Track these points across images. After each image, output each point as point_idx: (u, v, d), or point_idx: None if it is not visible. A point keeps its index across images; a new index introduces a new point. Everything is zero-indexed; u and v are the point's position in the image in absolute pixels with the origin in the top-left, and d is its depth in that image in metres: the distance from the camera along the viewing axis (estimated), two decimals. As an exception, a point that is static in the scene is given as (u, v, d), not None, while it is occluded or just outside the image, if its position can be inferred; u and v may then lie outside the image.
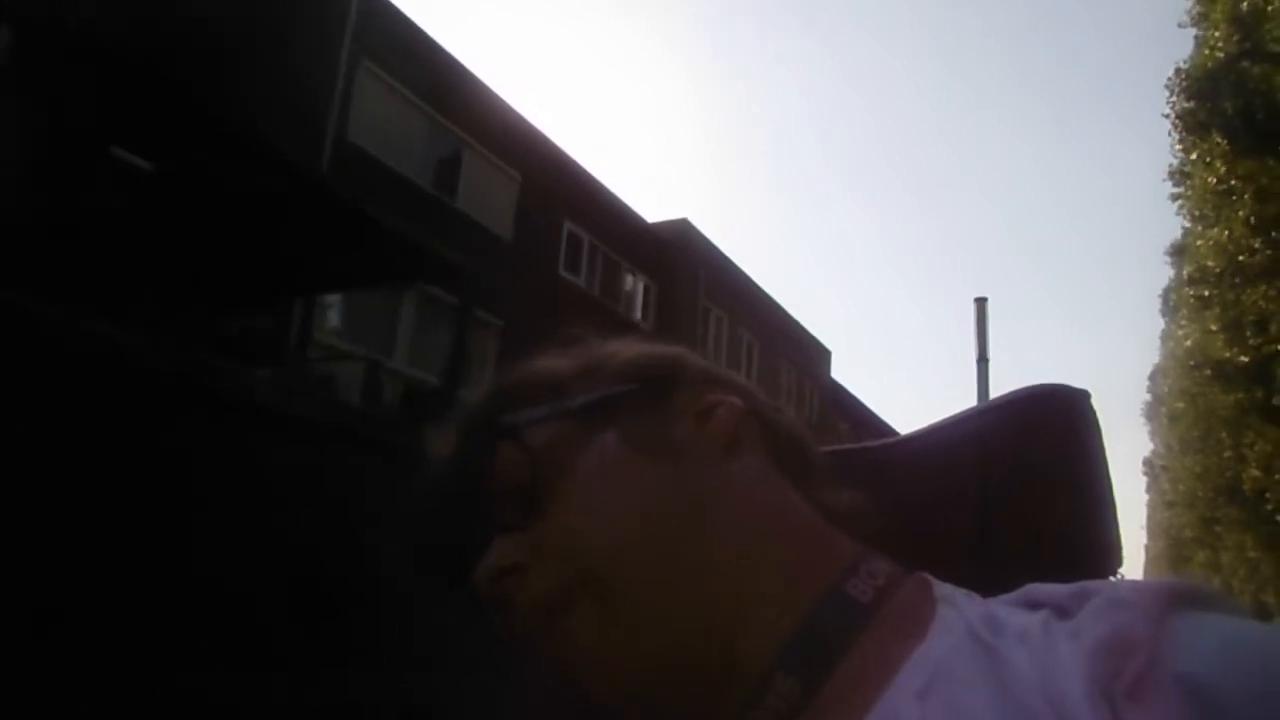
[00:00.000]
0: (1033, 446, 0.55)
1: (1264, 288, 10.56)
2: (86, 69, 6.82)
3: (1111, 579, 0.47)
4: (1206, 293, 11.73)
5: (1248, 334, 11.19)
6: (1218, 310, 11.84)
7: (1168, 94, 11.57)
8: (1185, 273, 13.25)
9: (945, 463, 0.57)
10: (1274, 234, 10.27)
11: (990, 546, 0.53)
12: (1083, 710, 0.33)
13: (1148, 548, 40.70)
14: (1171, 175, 15.19)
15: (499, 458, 0.46)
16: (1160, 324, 25.41)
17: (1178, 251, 18.97)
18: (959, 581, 0.45)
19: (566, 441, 0.46)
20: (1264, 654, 0.34)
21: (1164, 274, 18.14)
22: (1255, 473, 14.02)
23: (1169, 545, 29.81)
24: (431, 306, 9.95)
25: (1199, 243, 12.09)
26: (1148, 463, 34.80)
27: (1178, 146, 11.90)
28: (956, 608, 0.42)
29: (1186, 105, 11.23)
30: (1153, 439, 31.35)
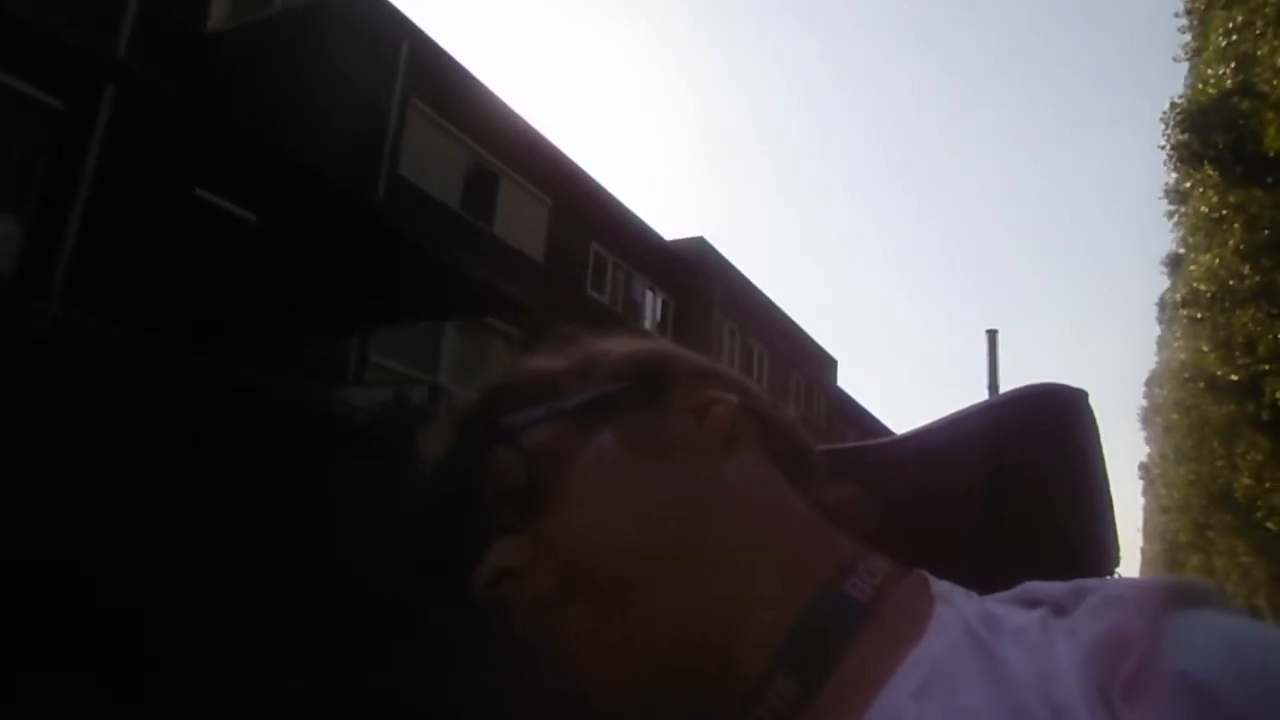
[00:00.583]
0: (1030, 446, 0.55)
1: (1253, 310, 11.22)
2: (182, 122, 7.54)
3: (1108, 578, 0.46)
4: (1199, 314, 12.41)
5: (1237, 354, 11.86)
6: (1209, 331, 12.53)
7: (1163, 126, 12.24)
8: (1179, 295, 13.93)
9: (943, 462, 0.57)
10: (1262, 260, 10.93)
11: (987, 545, 0.53)
12: (1080, 709, 0.33)
13: (1144, 550, 41.40)
14: (1167, 194, 15.91)
15: (496, 460, 0.46)
16: (1157, 330, 26.06)
17: (1173, 263, 19.65)
18: (956, 580, 0.45)
19: (563, 442, 0.46)
20: (1261, 651, 0.34)
21: (1161, 282, 18.83)
22: (1247, 481, 14.68)
23: (1164, 549, 30.48)
24: (474, 327, 10.62)
25: (1192, 267, 12.78)
26: (1144, 467, 35.46)
27: (1173, 175, 12.58)
28: (954, 605, 0.42)
29: (1181, 138, 11.89)
30: (1149, 444, 31.99)
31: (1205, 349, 12.95)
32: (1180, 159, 12.10)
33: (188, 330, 6.30)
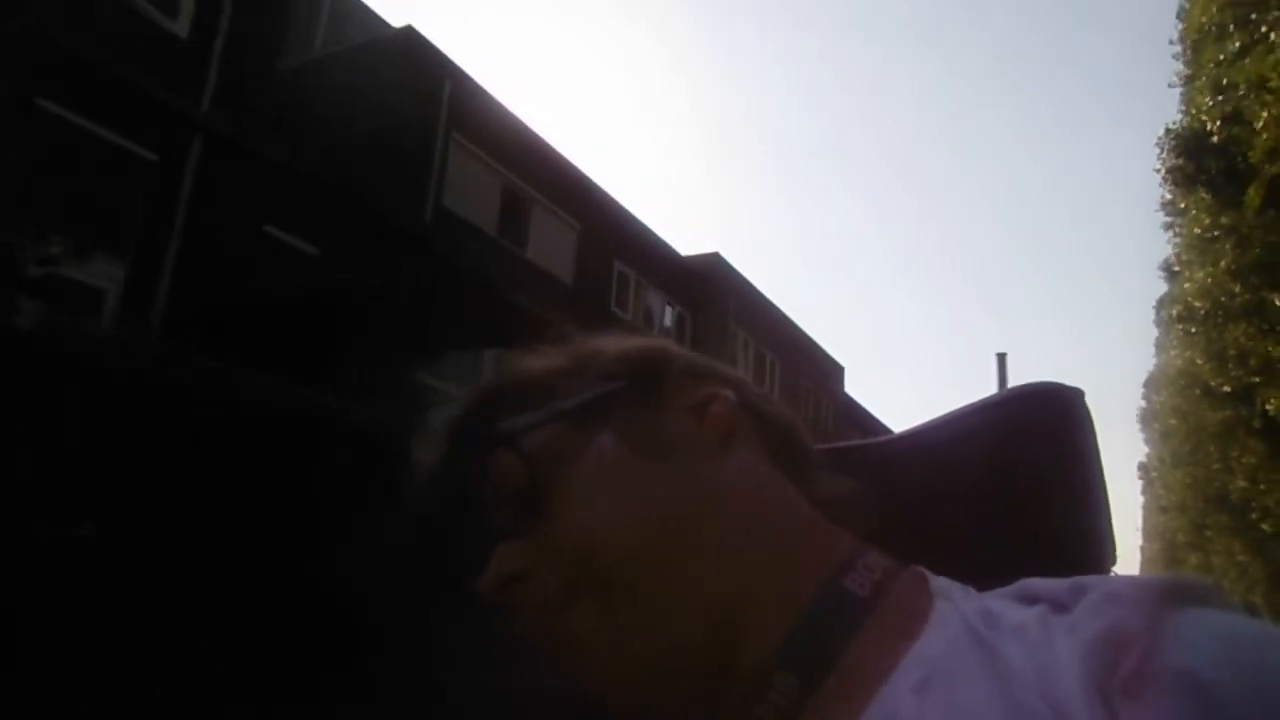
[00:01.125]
0: (1028, 445, 0.55)
1: (1244, 326, 11.89)
2: (259, 169, 8.25)
3: (1107, 575, 0.45)
4: (1193, 329, 13.10)
5: (1230, 366, 12.54)
6: (1204, 344, 13.22)
7: (1159, 150, 12.91)
8: (1175, 310, 14.60)
9: (941, 460, 0.57)
10: (1252, 279, 11.60)
11: (985, 543, 0.52)
12: (1079, 705, 0.33)
13: (1143, 549, 41.95)
14: (1164, 207, 16.57)
15: (496, 465, 0.46)
16: (1155, 332, 26.65)
17: (1170, 268, 20.32)
18: (955, 577, 0.45)
19: (562, 444, 0.46)
20: (1259, 649, 0.34)
21: (1159, 285, 19.40)
22: (1242, 484, 15.32)
23: (1164, 548, 31.06)
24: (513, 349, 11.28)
25: (1187, 284, 13.46)
26: (1143, 467, 36.00)
27: (1167, 197, 13.25)
28: (953, 602, 0.42)
29: (1175, 162, 12.57)
30: (1148, 444, 32.53)
31: (1200, 361, 13.63)
32: (1175, 182, 12.78)
33: (274, 361, 6.98)
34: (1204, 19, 10.13)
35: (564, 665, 0.44)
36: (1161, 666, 0.33)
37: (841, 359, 24.02)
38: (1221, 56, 10.63)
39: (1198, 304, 12.66)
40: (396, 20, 14.84)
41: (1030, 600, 0.40)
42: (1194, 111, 12.45)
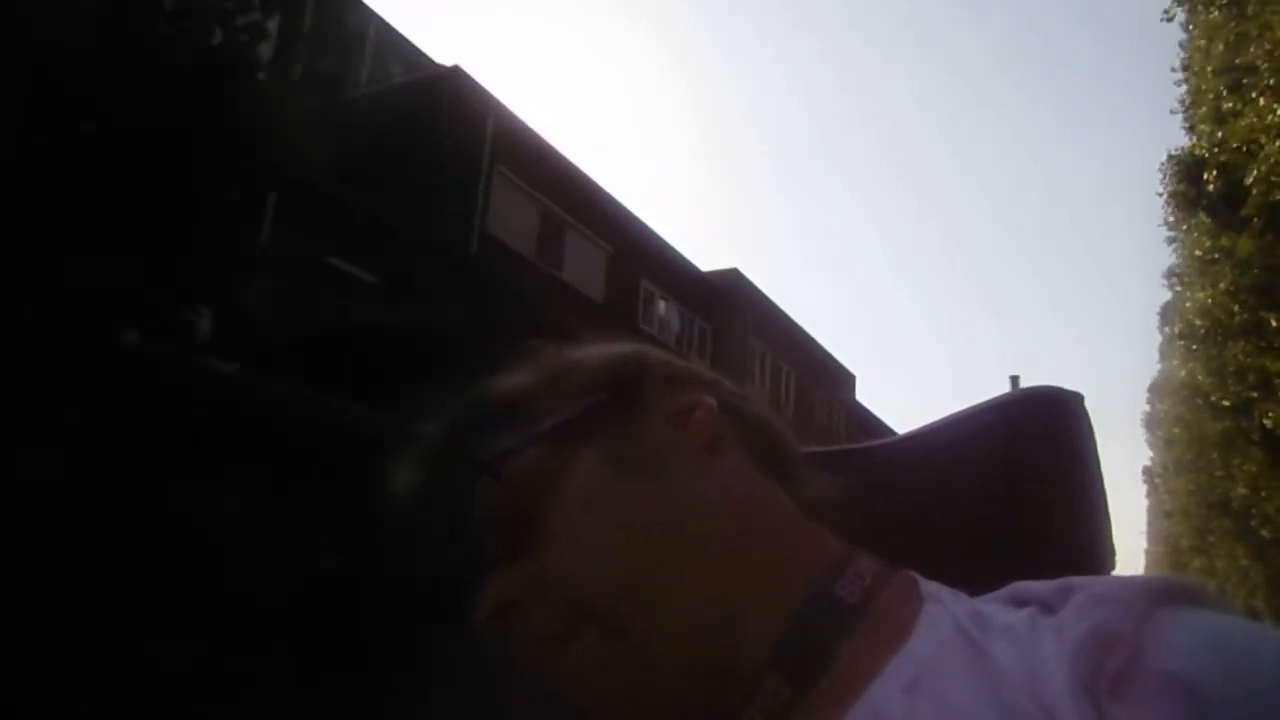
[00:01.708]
0: (1027, 448, 0.55)
1: (1242, 344, 12.53)
2: (325, 203, 8.93)
3: (1095, 576, 0.43)
4: (1194, 346, 13.76)
5: (1229, 382, 13.19)
6: (1204, 361, 13.88)
7: (1161, 175, 13.57)
8: (1176, 328, 15.26)
9: (940, 464, 0.57)
10: (1250, 300, 12.24)
11: (985, 546, 0.53)
12: (1066, 705, 0.33)
13: (1148, 552, 42.42)
14: (1166, 223, 17.23)
15: (480, 493, 0.46)
16: (1159, 338, 27.18)
17: (1173, 274, 20.95)
18: (953, 580, 0.45)
19: (546, 467, 0.46)
20: (1247, 649, 0.34)
21: (1163, 293, 19.91)
22: (1243, 491, 15.91)
23: (1167, 551, 31.55)
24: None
25: (1188, 304, 14.12)
26: (1147, 471, 36.50)
27: (1170, 219, 13.92)
28: (943, 604, 0.42)
29: (1176, 187, 13.23)
30: (1151, 449, 33.03)
31: (1201, 377, 14.30)
32: (1176, 206, 13.46)
33: (349, 387, 7.66)
34: (1207, 69, 10.78)
35: (569, 691, 0.44)
36: (1149, 667, 0.34)
37: (852, 366, 24.72)
38: (1221, 90, 11.22)
39: (1198, 322, 13.32)
40: (418, 40, 15.51)
41: (1020, 602, 0.41)
42: (1194, 139, 13.11)
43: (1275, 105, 7.95)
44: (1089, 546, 0.53)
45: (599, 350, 0.53)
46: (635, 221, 15.32)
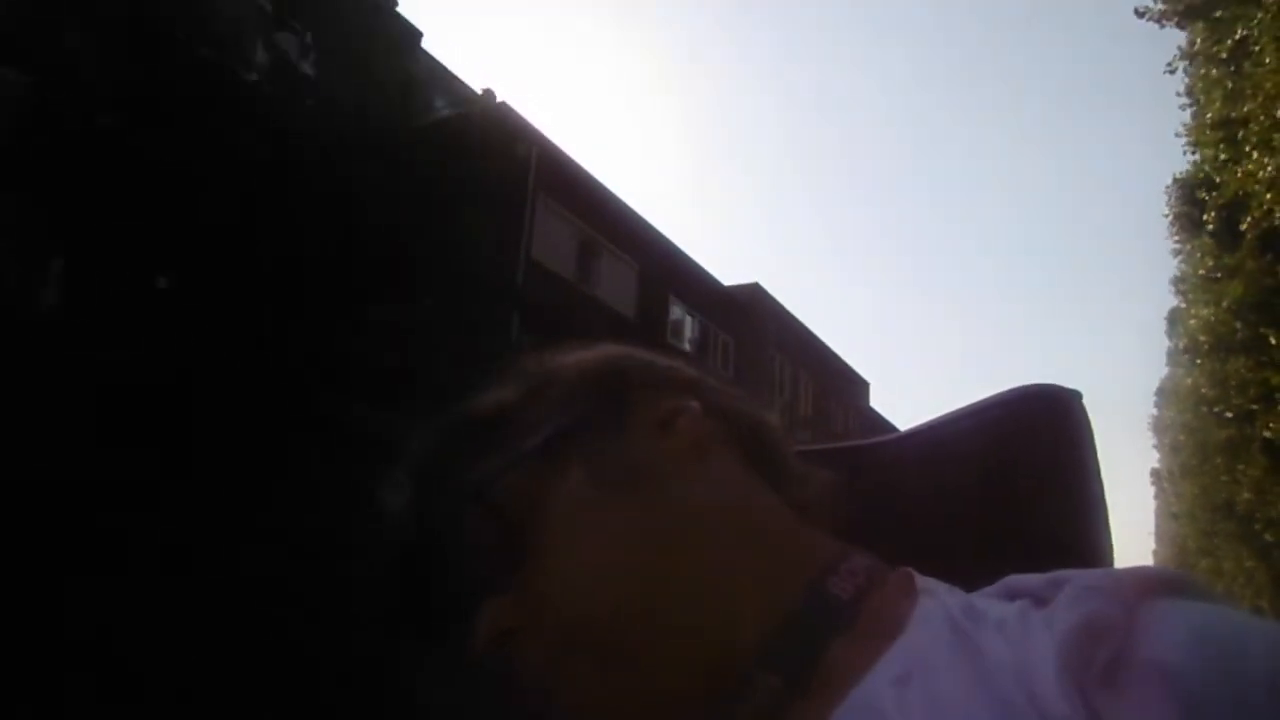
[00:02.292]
0: (1025, 446, 0.55)
1: (1244, 359, 13.18)
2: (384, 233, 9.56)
3: (1085, 569, 0.43)
4: (1199, 360, 14.42)
5: (1232, 395, 13.84)
6: (1208, 375, 14.54)
7: (1167, 197, 14.24)
8: (1181, 343, 15.92)
9: (939, 461, 0.58)
10: (1251, 317, 12.87)
11: (981, 545, 0.53)
12: (1056, 696, 0.33)
13: (1156, 553, 42.83)
14: (1171, 236, 17.87)
15: (467, 521, 0.46)
16: (1168, 342, 27.66)
17: (1180, 281, 21.56)
18: (950, 578, 0.45)
19: (532, 488, 0.46)
20: (1234, 639, 0.34)
21: (1171, 298, 20.39)
22: (1247, 495, 16.49)
23: (1175, 553, 31.99)
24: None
25: (1192, 320, 14.79)
26: (1155, 473, 36.94)
27: (1175, 239, 14.59)
28: (937, 598, 0.43)
29: (1181, 209, 13.89)
30: (1159, 450, 33.48)
31: (1204, 390, 14.96)
32: (1181, 227, 14.12)
33: (406, 405, 8.36)
34: (1206, 116, 11.39)
35: (568, 712, 0.44)
36: (1137, 657, 0.34)
37: (865, 374, 25.42)
38: (1226, 116, 11.79)
39: (1202, 338, 13.98)
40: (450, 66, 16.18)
41: (1012, 596, 0.41)
42: (1198, 163, 13.75)
43: (1265, 160, 8.61)
44: (1087, 543, 0.53)
45: (578, 359, 0.52)
46: (662, 239, 16.08)
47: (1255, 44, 8.40)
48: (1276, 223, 8.78)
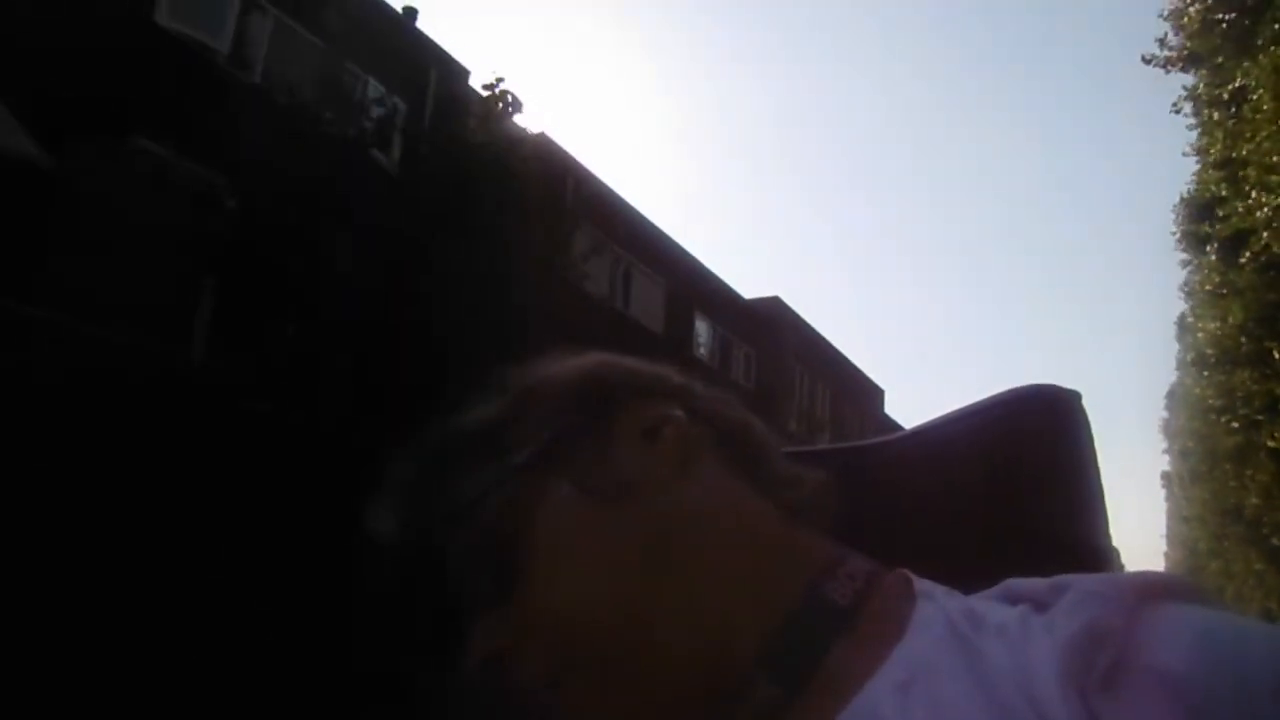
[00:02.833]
0: (1023, 446, 0.55)
1: (1249, 372, 13.75)
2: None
3: (1087, 574, 0.43)
4: (1205, 373, 15.00)
5: (1238, 406, 14.42)
6: (1215, 387, 15.13)
7: (1174, 216, 14.83)
8: (1188, 357, 16.50)
9: (937, 461, 0.58)
10: (1256, 331, 13.44)
11: (979, 547, 0.53)
12: (1057, 703, 0.34)
13: (1167, 555, 43.13)
14: (1178, 248, 18.42)
15: (456, 540, 0.46)
16: (1177, 346, 28.00)
17: (1189, 287, 22.03)
18: (947, 579, 0.45)
19: (521, 502, 0.46)
20: (1234, 643, 0.34)
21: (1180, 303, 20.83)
22: (1255, 500, 16.96)
23: (1186, 555, 32.31)
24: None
25: (1199, 334, 15.38)
26: (1165, 476, 37.23)
27: (1182, 256, 15.20)
28: (936, 602, 0.43)
29: (1188, 227, 14.49)
30: (1169, 454, 33.77)
31: (1211, 401, 15.54)
32: (1188, 245, 14.73)
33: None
34: (1210, 154, 11.92)
35: None
36: (1138, 662, 0.34)
37: (880, 381, 26.03)
38: (1233, 141, 12.33)
39: (1209, 351, 14.57)
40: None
41: (1013, 600, 0.41)
42: (1204, 183, 14.33)
43: (1264, 198, 9.21)
44: (1086, 546, 0.53)
45: (562, 370, 0.52)
46: (688, 257, 16.78)
47: (1253, 92, 9.01)
48: (1276, 253, 9.37)
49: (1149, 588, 0.38)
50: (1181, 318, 25.14)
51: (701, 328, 17.33)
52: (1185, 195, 14.69)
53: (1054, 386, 0.56)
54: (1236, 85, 9.54)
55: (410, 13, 13.31)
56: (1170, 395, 31.04)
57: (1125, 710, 0.33)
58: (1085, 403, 0.56)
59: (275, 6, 10.37)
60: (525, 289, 11.38)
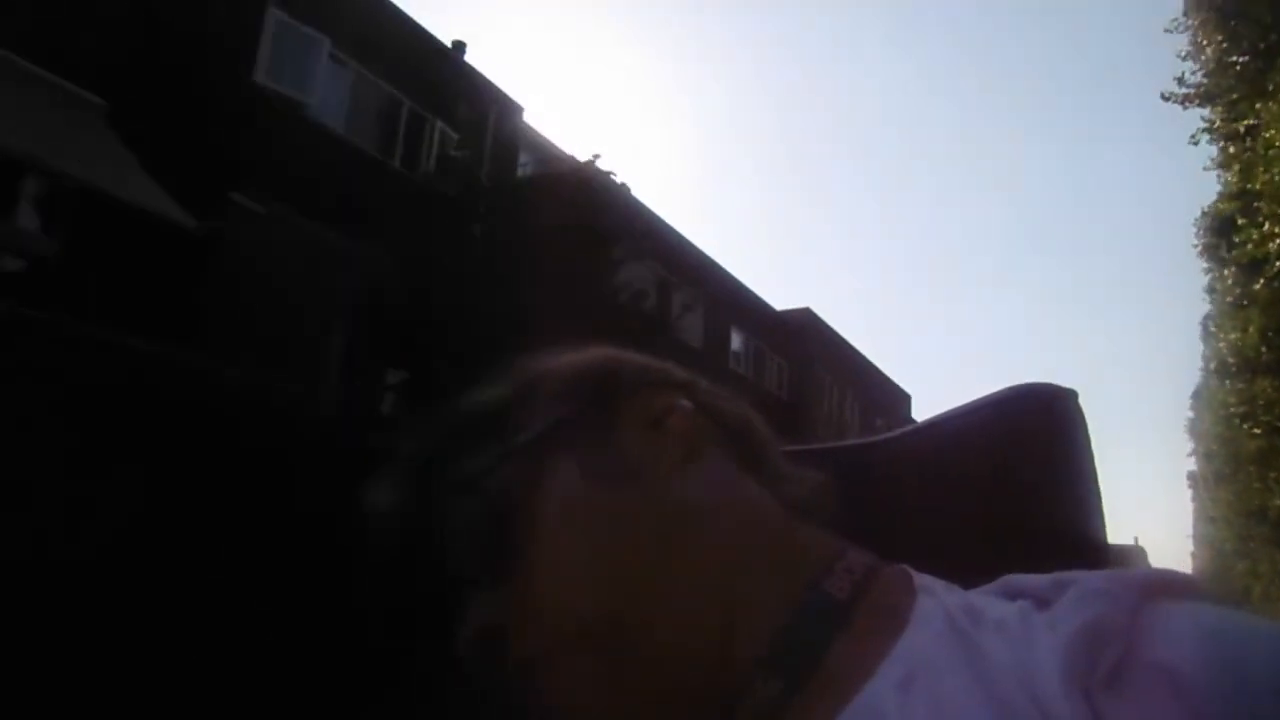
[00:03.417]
0: (1020, 443, 0.56)
1: (1270, 380, 14.24)
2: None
3: (1088, 570, 0.43)
4: (1227, 382, 15.49)
5: (1259, 413, 14.91)
6: (1236, 395, 15.62)
7: (1195, 229, 15.33)
8: (1211, 365, 16.98)
9: (935, 459, 0.58)
10: (1276, 341, 13.92)
11: (978, 543, 0.53)
12: (1060, 700, 0.33)
13: (1194, 555, 43.12)
14: (1200, 255, 18.83)
15: (458, 513, 0.46)
16: (1202, 346, 28.22)
17: (1212, 289, 22.36)
18: (948, 573, 0.45)
19: (523, 482, 0.46)
20: (1237, 641, 0.34)
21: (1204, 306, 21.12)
22: (1278, 501, 17.46)
23: (1213, 555, 32.51)
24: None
25: (1221, 344, 15.87)
26: (1191, 476, 37.30)
27: (1204, 268, 15.70)
28: (935, 597, 0.43)
29: (1209, 240, 14.99)
30: (1195, 455, 33.91)
31: (1233, 408, 16.03)
32: (1210, 257, 15.23)
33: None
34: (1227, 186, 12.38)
35: (560, 713, 0.43)
36: (1142, 659, 0.34)
37: (907, 386, 26.56)
38: (1248, 154, 12.81)
39: (1230, 360, 15.07)
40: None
41: (1013, 595, 0.41)
42: (1226, 198, 14.80)
43: (1277, 229, 9.75)
44: (1083, 543, 0.53)
45: (572, 359, 0.52)
46: (723, 271, 17.51)
47: (1266, 130, 9.55)
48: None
49: (1153, 585, 0.38)
50: (1206, 318, 25.50)
51: (736, 340, 18.04)
52: (1205, 210, 15.19)
53: (1051, 385, 0.57)
54: (1250, 123, 10.07)
55: (459, 46, 14.10)
56: (1196, 396, 31.27)
57: (1129, 708, 0.33)
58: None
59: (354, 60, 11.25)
60: (593, 319, 12.10)
